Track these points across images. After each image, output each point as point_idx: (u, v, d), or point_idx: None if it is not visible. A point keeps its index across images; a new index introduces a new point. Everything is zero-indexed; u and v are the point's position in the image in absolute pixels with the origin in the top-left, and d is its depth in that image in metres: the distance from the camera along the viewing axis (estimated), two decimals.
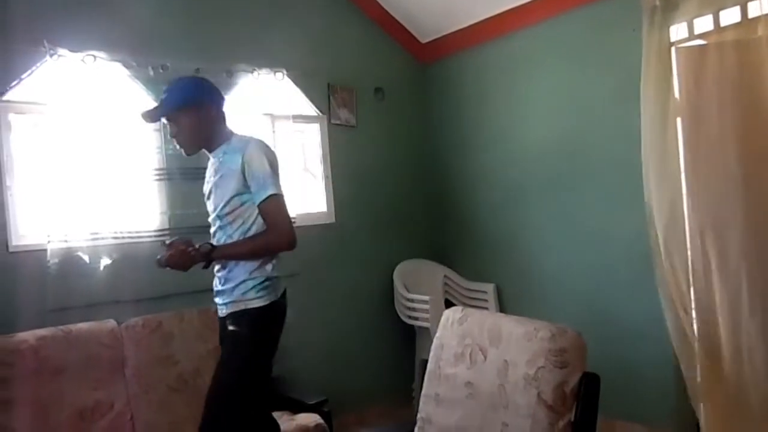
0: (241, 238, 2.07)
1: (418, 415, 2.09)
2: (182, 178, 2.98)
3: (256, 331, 2.08)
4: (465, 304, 3.71)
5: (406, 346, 3.73)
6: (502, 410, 1.77)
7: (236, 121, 3.09)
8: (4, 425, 2.23)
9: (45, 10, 2.64)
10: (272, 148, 2.14)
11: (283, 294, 2.19)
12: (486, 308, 3.62)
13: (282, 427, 2.45)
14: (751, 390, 2.44)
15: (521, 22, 3.38)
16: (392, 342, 3.75)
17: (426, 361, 2.17)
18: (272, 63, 3.28)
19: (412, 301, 3.55)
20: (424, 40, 3.99)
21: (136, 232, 2.85)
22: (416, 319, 3.53)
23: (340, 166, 3.63)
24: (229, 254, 2.09)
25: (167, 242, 2.14)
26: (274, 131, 3.30)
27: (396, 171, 3.91)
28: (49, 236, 2.59)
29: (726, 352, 2.52)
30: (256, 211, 2.05)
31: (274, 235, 2.06)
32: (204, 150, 2.18)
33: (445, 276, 3.89)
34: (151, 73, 2.88)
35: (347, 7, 3.71)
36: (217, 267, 2.16)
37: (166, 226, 2.95)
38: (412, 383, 3.69)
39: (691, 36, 2.63)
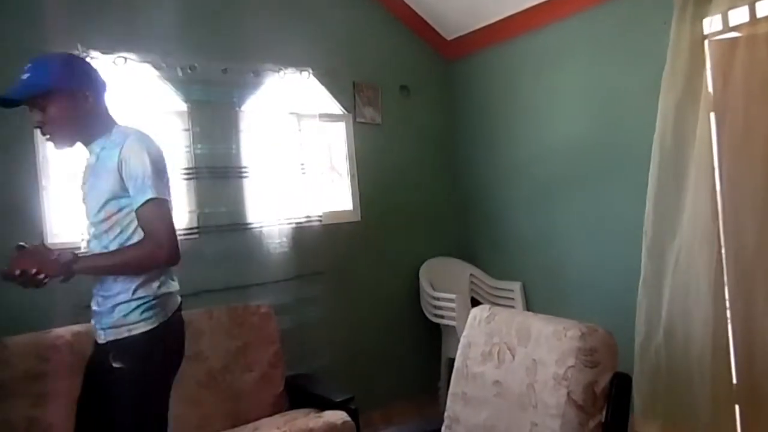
0: None
1: (446, 414, 2.08)
2: (211, 177, 3.03)
3: (147, 363, 1.72)
4: (491, 303, 3.69)
5: (432, 345, 3.72)
6: (531, 410, 1.75)
7: (262, 121, 3.17)
8: (41, 419, 2.29)
9: (78, 14, 2.70)
10: (157, 143, 1.78)
11: (178, 308, 1.85)
12: (513, 307, 3.59)
13: (309, 424, 2.48)
14: None
15: (549, 17, 3.34)
16: (418, 340, 3.74)
17: (452, 360, 2.16)
18: (298, 62, 3.30)
19: (438, 299, 3.54)
20: (449, 36, 3.96)
21: None
22: (442, 317, 3.52)
23: (365, 164, 3.63)
24: (95, 267, 1.73)
25: (19, 245, 1.66)
26: (300, 130, 3.32)
27: (421, 168, 3.90)
28: (82, 234, 2.64)
29: (761, 353, 2.46)
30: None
31: (150, 246, 1.68)
32: (81, 144, 1.82)
33: (471, 274, 3.87)
34: (180, 73, 2.92)
35: (372, 5, 3.71)
36: (96, 284, 1.79)
37: (195, 225, 2.99)
38: (438, 381, 3.68)
39: (726, 28, 2.56)
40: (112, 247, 1.73)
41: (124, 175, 1.70)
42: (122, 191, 1.71)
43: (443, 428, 2.07)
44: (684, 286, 2.60)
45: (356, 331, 3.49)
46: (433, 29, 3.94)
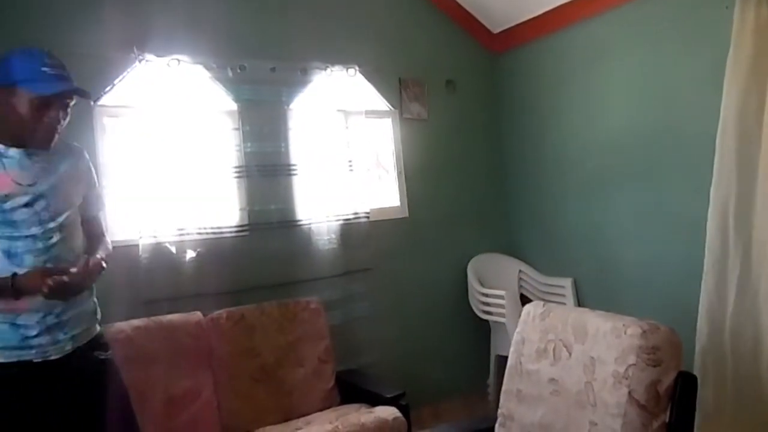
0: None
1: (499, 411, 2.06)
2: (260, 175, 3.07)
3: None
4: (541, 299, 3.60)
5: (481, 341, 3.68)
6: (590, 408, 1.71)
7: (310, 119, 3.20)
8: None
9: (133, 18, 2.78)
10: None
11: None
12: (563, 303, 3.52)
13: (360, 419, 2.49)
14: None
15: (598, 7, 3.24)
16: (466, 337, 3.71)
17: (502, 357, 2.14)
18: (344, 60, 3.31)
19: (487, 295, 3.50)
20: (495, 30, 3.91)
21: (218, 227, 2.96)
22: (491, 313, 3.48)
23: (412, 160, 3.62)
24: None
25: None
26: (347, 127, 3.33)
27: (468, 163, 3.86)
28: (140, 232, 2.73)
29: None
30: None
31: None
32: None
33: (520, 270, 3.81)
34: (230, 74, 2.98)
35: (417, 0, 3.69)
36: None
37: (246, 222, 3.05)
38: (487, 378, 3.64)
39: None
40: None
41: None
42: None
43: (497, 426, 2.05)
44: (754, 285, 2.48)
45: (405, 328, 3.49)
46: (479, 22, 3.88)
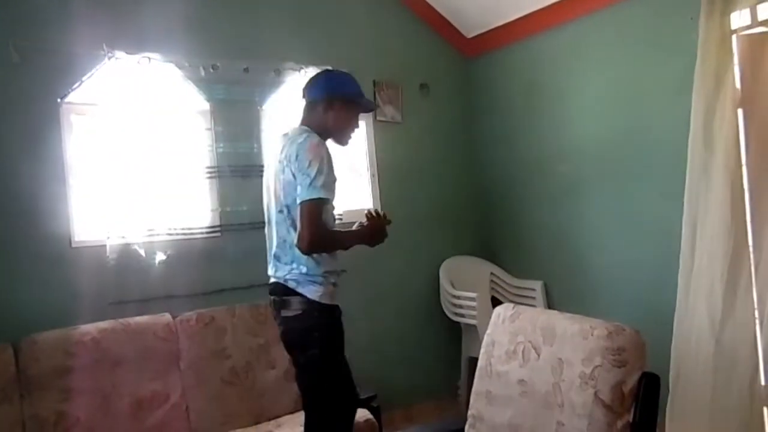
0: None
1: (469, 412, 2.07)
2: (233, 176, 3.05)
3: None
4: (512, 302, 3.64)
5: (452, 344, 3.71)
6: (557, 409, 1.74)
7: (283, 120, 3.18)
8: (69, 413, 2.34)
9: (104, 15, 2.74)
10: None
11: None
12: (534, 306, 3.56)
13: None
14: None
15: (570, 14, 3.30)
16: (438, 339, 3.73)
17: (473, 359, 2.15)
18: (318, 61, 3.29)
19: (459, 298, 3.52)
20: (469, 34, 3.94)
21: (189, 228, 2.93)
22: (462, 316, 3.50)
23: (386, 163, 3.63)
24: None
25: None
26: None
27: (442, 167, 3.89)
28: (108, 233, 2.68)
29: None
30: None
31: None
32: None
33: (491, 273, 3.85)
34: (203, 73, 2.95)
35: (393, 2, 3.70)
36: None
37: (218, 223, 3.02)
38: (458, 380, 3.67)
39: (754, 23, 2.51)
40: None
41: None
42: None
43: (467, 427, 2.06)
44: (713, 289, 2.55)
45: (377, 330, 3.49)
46: (453, 27, 3.92)
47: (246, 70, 3.07)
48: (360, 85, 2.29)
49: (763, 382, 2.53)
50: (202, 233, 2.97)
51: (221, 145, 3.02)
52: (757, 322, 2.51)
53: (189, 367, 2.64)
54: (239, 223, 3.06)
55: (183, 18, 2.94)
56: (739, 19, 2.52)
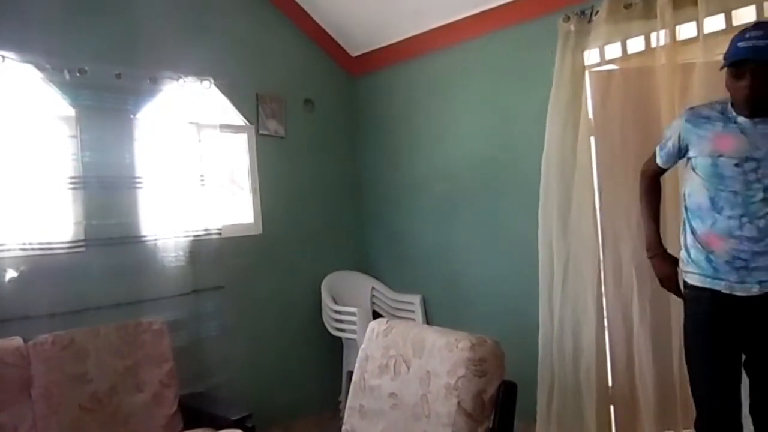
0: None
1: (343, 428, 2.10)
2: (100, 187, 2.86)
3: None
4: (393, 316, 3.76)
5: (334, 359, 3.72)
6: (425, 420, 1.81)
7: (159, 130, 3.05)
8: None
9: None
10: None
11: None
12: (413, 319, 3.68)
13: None
14: (649, 394, 2.63)
15: (447, 40, 3.49)
16: (320, 354, 3.73)
17: (352, 373, 2.18)
18: (199, 71, 3.21)
19: (340, 312, 3.55)
20: (354, 53, 4.03)
21: (48, 243, 2.70)
22: (343, 330, 3.53)
23: (268, 177, 3.59)
24: None
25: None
26: (200, 140, 3.22)
27: (325, 182, 3.92)
28: None
29: (632, 358, 2.69)
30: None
31: None
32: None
33: (372, 288, 3.92)
34: (67, 76, 2.75)
35: (278, 18, 3.69)
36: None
37: (81, 237, 2.81)
38: (340, 396, 3.68)
39: (603, 61, 2.81)
40: None
41: None
42: None
43: None
44: (572, 300, 2.79)
45: (256, 347, 3.42)
46: (339, 45, 3.98)
47: (118, 76, 2.91)
48: None
49: (610, 383, 2.80)
50: (63, 248, 2.75)
51: (87, 153, 2.83)
52: (606, 327, 2.79)
53: (42, 395, 2.41)
54: (107, 237, 2.88)
55: (43, 16, 2.73)
56: (590, 57, 2.81)
